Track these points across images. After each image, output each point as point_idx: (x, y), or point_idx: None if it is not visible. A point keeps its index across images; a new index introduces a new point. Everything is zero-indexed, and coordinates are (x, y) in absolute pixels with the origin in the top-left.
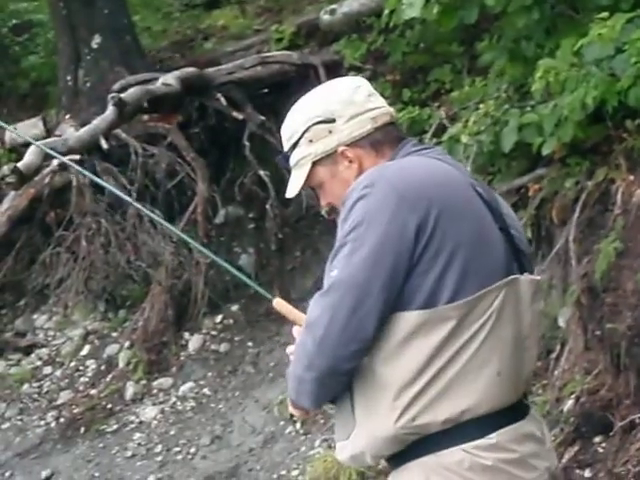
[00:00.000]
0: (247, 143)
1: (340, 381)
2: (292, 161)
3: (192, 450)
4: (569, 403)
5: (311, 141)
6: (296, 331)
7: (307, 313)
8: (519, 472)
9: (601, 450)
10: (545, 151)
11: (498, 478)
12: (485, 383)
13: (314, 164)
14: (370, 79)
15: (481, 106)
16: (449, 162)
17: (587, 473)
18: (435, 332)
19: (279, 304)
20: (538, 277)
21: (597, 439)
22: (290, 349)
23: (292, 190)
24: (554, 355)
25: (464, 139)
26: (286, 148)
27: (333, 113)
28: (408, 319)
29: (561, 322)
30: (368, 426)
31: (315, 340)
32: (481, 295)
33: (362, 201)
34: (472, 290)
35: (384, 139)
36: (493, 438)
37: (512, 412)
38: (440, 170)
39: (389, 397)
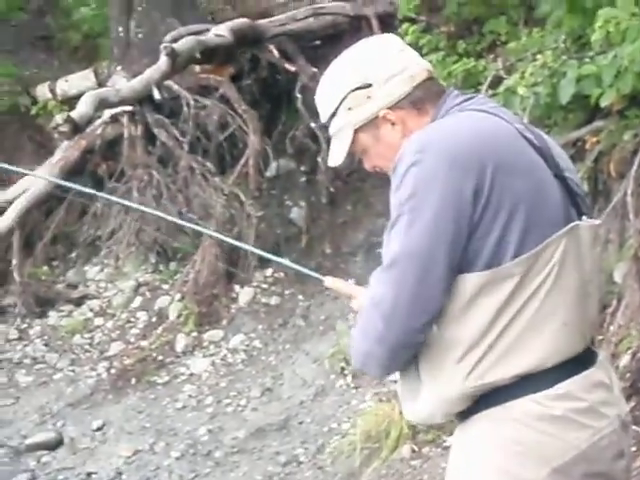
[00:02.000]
0: (299, 95)
1: (412, 352)
2: (332, 130)
3: (242, 402)
4: (625, 359)
5: (350, 109)
6: (355, 304)
7: (369, 290)
8: (589, 421)
9: None
10: (603, 103)
11: (568, 427)
12: (552, 335)
13: (356, 131)
14: (424, 30)
15: (538, 57)
16: (493, 111)
17: None
18: (498, 290)
19: (332, 282)
20: (597, 221)
21: None
22: (356, 304)
23: (335, 159)
24: (610, 310)
25: (520, 91)
26: (324, 118)
27: (368, 78)
28: (471, 281)
29: (617, 277)
30: (436, 387)
31: (384, 317)
32: (542, 248)
33: (413, 169)
34: (534, 244)
35: (425, 96)
36: (562, 388)
37: (580, 360)
38: (487, 125)
39: (455, 358)
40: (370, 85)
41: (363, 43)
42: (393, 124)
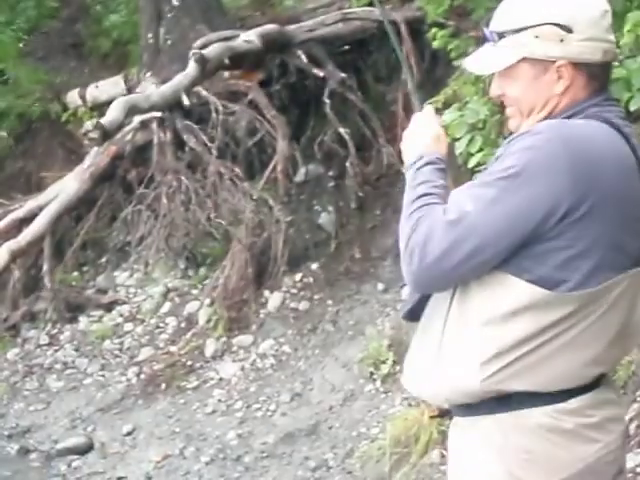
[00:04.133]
0: (327, 101)
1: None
2: (502, 42)
3: (272, 407)
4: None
5: (537, 37)
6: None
7: (432, 223)
8: (598, 435)
9: None
10: (633, 107)
11: (578, 441)
12: (578, 366)
13: (524, 59)
14: (453, 35)
15: None
16: (626, 131)
17: None
18: (550, 314)
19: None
20: None
21: None
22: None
23: (489, 68)
24: None
25: None
26: (504, 26)
27: (574, 24)
28: (532, 294)
29: None
30: (452, 374)
31: (422, 262)
32: (606, 287)
33: (532, 151)
34: (600, 280)
35: (600, 76)
36: (573, 403)
37: (591, 383)
38: (617, 150)
39: (482, 357)
40: (570, 30)
41: None
42: (560, 78)
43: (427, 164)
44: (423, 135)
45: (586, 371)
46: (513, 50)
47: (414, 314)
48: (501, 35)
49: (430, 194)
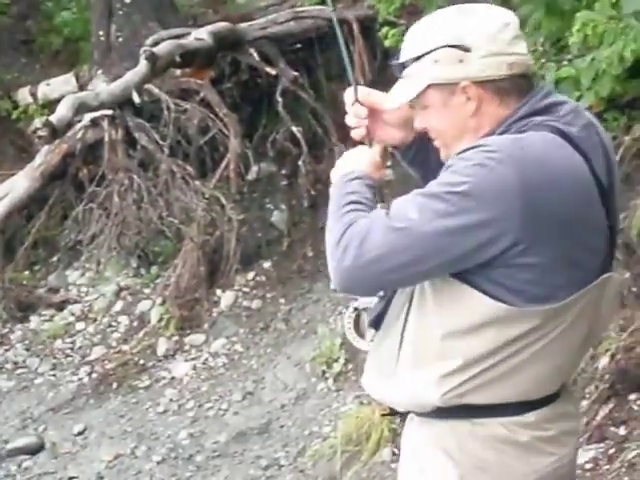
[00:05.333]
0: (280, 99)
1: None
2: (406, 72)
3: (224, 406)
4: (604, 360)
5: (436, 62)
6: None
7: (369, 224)
8: (552, 449)
9: (636, 407)
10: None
11: (531, 453)
12: (542, 375)
13: (429, 86)
14: (404, 34)
15: None
16: (577, 135)
17: (622, 430)
18: (514, 328)
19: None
20: (626, 275)
21: (632, 396)
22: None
23: (397, 100)
24: None
25: None
26: (406, 56)
27: (471, 42)
28: (491, 308)
29: None
30: (411, 383)
31: (355, 261)
32: (568, 302)
33: (484, 170)
34: (562, 296)
35: (512, 90)
36: (530, 417)
37: (552, 394)
38: (570, 166)
39: (443, 370)
40: (468, 50)
41: (485, 7)
42: (469, 99)
43: (358, 178)
44: (358, 158)
45: (550, 382)
46: (417, 79)
47: (379, 322)
48: (404, 66)
49: (361, 203)
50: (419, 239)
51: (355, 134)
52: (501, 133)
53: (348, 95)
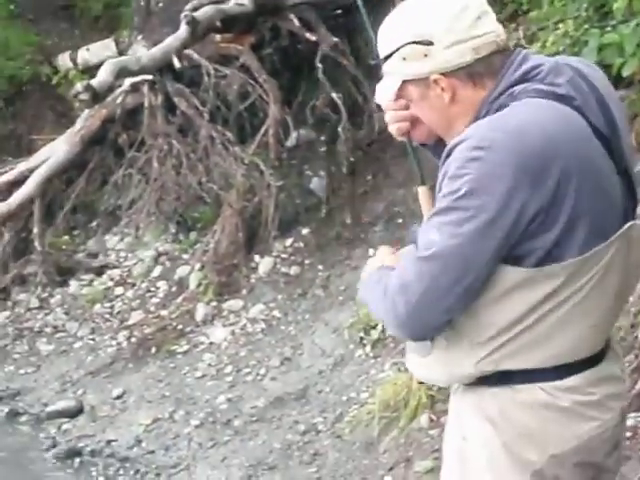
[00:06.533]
0: (320, 65)
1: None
2: (384, 69)
3: (262, 371)
4: None
5: (404, 59)
6: (384, 260)
7: (400, 266)
8: (596, 413)
9: None
10: (625, 72)
11: (573, 419)
12: (578, 335)
13: (405, 81)
14: None
15: (560, 26)
16: (564, 92)
17: None
18: (539, 288)
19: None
20: None
21: None
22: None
23: (380, 98)
24: None
25: None
26: (380, 55)
27: (432, 36)
28: (515, 274)
29: None
30: (448, 357)
31: (408, 305)
32: (593, 253)
33: (475, 164)
34: (588, 247)
35: (485, 71)
36: (572, 381)
37: (595, 356)
38: (557, 124)
39: (475, 341)
40: (431, 43)
41: None
42: (443, 90)
43: (387, 268)
44: (383, 259)
45: (587, 344)
46: (392, 76)
47: None
48: (379, 64)
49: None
50: (451, 255)
51: (396, 131)
52: (485, 114)
53: (381, 91)
